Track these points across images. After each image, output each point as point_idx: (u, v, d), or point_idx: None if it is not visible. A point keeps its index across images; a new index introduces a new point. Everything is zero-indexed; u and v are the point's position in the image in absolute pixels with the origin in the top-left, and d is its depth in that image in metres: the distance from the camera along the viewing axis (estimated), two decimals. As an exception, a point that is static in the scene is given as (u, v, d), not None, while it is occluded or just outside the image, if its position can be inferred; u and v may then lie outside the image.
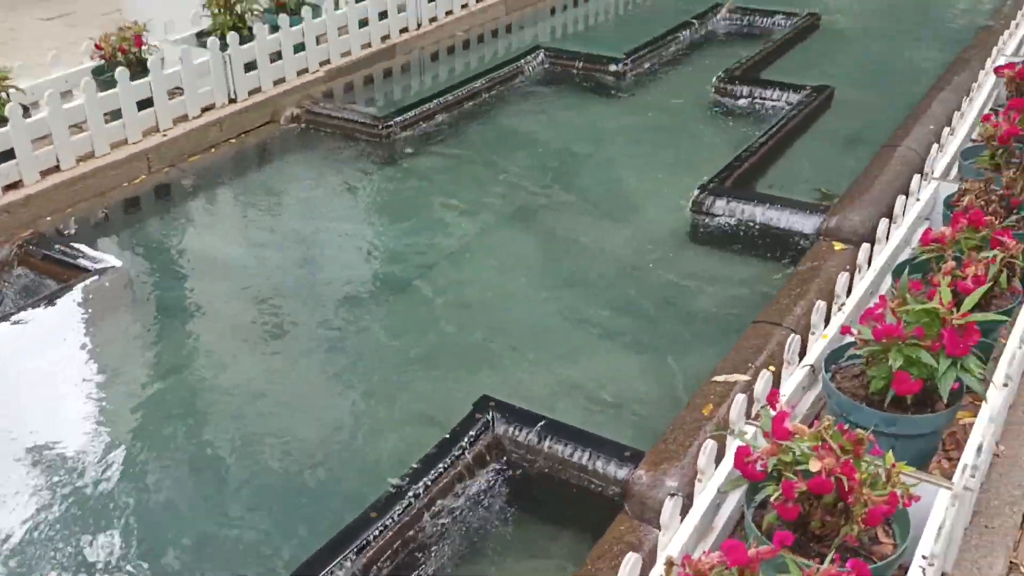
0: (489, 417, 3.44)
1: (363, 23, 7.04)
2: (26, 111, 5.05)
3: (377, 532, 2.98)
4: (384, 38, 7.26)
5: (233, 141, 5.98)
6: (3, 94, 5.00)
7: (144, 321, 4.38)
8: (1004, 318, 2.91)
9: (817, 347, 3.04)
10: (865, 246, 3.51)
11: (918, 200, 3.95)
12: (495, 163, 5.77)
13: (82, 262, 4.55)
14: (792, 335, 3.00)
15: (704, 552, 2.16)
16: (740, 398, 2.65)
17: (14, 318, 4.19)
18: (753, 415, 2.76)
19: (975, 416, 2.72)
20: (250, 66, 6.16)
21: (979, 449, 2.51)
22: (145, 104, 5.59)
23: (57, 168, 5.19)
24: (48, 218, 4.99)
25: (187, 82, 5.78)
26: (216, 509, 3.30)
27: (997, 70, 4.74)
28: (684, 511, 2.43)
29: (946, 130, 4.59)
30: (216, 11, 6.25)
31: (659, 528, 2.41)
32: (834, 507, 2.21)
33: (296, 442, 3.58)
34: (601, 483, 3.23)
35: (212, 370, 4.01)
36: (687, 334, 4.18)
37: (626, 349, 4.09)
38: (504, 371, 3.93)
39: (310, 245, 4.97)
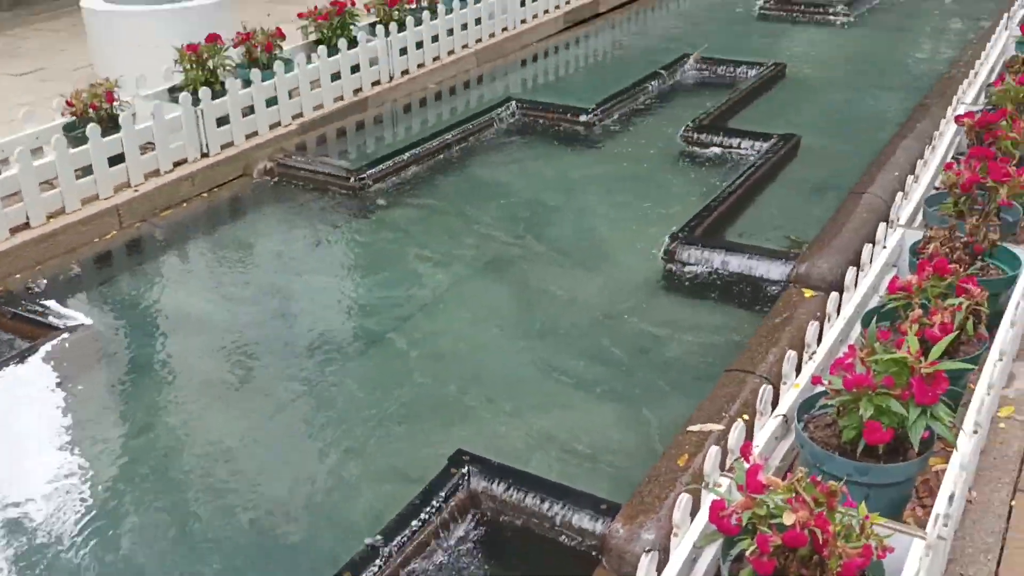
0: (464, 472, 3.43)
1: (335, 76, 7.11)
2: (-4, 168, 5.04)
3: (352, 592, 2.94)
4: (356, 91, 7.32)
5: (205, 195, 5.98)
6: (-28, 152, 4.99)
7: (113, 379, 4.33)
8: (971, 366, 2.94)
9: (789, 397, 3.06)
10: (834, 295, 3.55)
11: (884, 248, 4.01)
12: (468, 214, 5.80)
13: (51, 320, 4.51)
14: (764, 385, 3.02)
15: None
16: (714, 450, 2.65)
17: (-19, 378, 4.14)
18: (728, 467, 2.76)
19: (947, 462, 2.74)
20: (222, 120, 6.19)
21: (951, 498, 2.53)
22: (117, 159, 5.59)
23: (27, 225, 5.16)
24: (17, 275, 4.96)
25: (159, 137, 5.80)
26: (187, 570, 3.24)
27: (957, 119, 4.85)
28: (661, 566, 2.42)
29: (910, 178, 4.68)
30: (188, 66, 6.29)
31: (636, 584, 2.40)
32: (809, 560, 2.21)
33: (269, 500, 3.53)
34: (578, 537, 3.21)
35: (183, 428, 3.96)
36: (661, 383, 4.19)
37: (601, 399, 4.10)
38: (479, 423, 3.92)
39: (283, 299, 4.96)
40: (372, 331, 4.65)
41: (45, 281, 4.97)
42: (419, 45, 7.88)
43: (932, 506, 2.59)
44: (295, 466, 3.71)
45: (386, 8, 7.76)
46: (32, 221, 5.17)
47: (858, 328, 3.53)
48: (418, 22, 7.81)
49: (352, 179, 6.04)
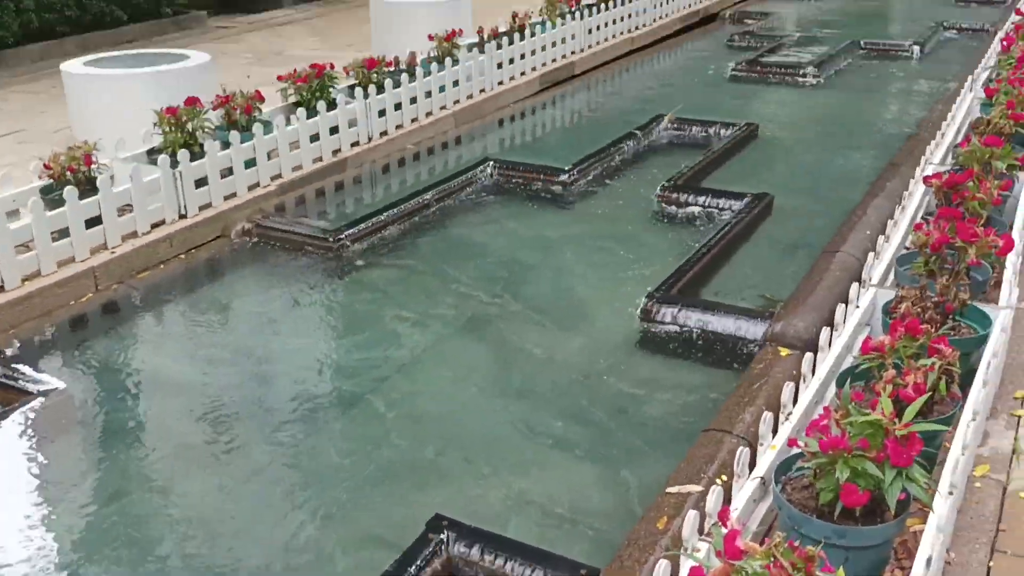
0: (442, 537, 3.39)
1: (315, 137, 7.17)
2: (-28, 231, 5.02)
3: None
4: (335, 152, 7.38)
5: (183, 257, 5.98)
6: (-52, 215, 4.98)
7: (87, 444, 4.28)
8: (944, 427, 2.97)
9: (766, 458, 3.07)
10: (808, 356, 3.59)
11: (857, 307, 4.06)
12: (446, 273, 5.83)
13: (24, 384, 4.46)
14: (741, 447, 3.02)
15: None
16: (692, 514, 2.65)
17: (-49, 445, 4.07)
18: (706, 531, 2.76)
19: (924, 523, 2.75)
20: (201, 182, 6.21)
21: (929, 561, 2.53)
22: (94, 221, 5.59)
23: (1, 288, 5.13)
24: (-9, 339, 4.91)
25: (137, 199, 5.80)
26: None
27: (926, 179, 4.95)
28: (640, 634, 2.40)
29: (881, 238, 4.75)
30: (167, 129, 6.33)
31: (616, 653, 2.38)
32: (789, 626, 2.20)
33: (245, 567, 3.48)
34: (558, 603, 3.18)
35: (159, 494, 3.91)
36: (640, 443, 4.18)
37: (579, 460, 4.09)
38: (458, 486, 3.89)
39: (261, 361, 4.94)
40: (350, 392, 4.63)
41: (19, 344, 4.93)
42: (398, 107, 7.97)
43: (911, 568, 2.59)
44: (271, 531, 3.66)
45: (365, 71, 7.86)
46: (7, 284, 5.14)
47: (833, 388, 3.56)
48: (396, 84, 7.91)
49: (330, 239, 6.06)
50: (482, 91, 9.07)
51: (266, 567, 3.48)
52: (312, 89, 7.39)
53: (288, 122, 6.92)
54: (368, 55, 8.21)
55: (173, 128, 6.32)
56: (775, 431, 3.26)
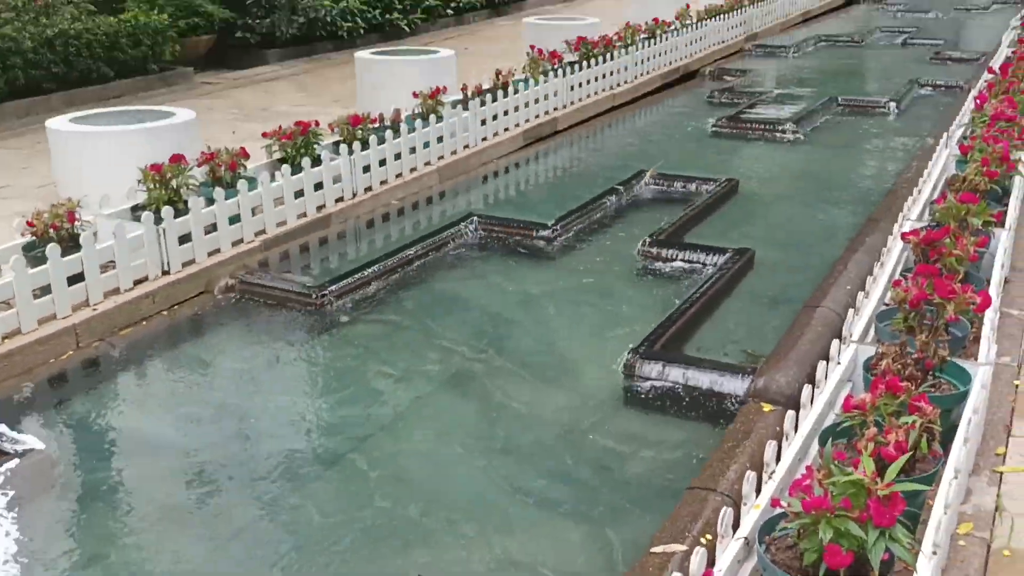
0: (425, 600, 3.35)
1: (299, 193, 7.20)
2: (-48, 289, 4.99)
3: None
4: (320, 208, 7.41)
5: (165, 313, 5.96)
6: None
7: (66, 505, 4.22)
8: (926, 487, 2.98)
9: (750, 518, 3.06)
10: (790, 413, 3.60)
11: (839, 364, 4.08)
12: (430, 329, 5.83)
13: (2, 444, 4.40)
14: (724, 507, 3.02)
15: None
16: (676, 576, 2.64)
17: (-74, 507, 4.01)
18: (691, 593, 2.74)
19: (908, 584, 2.74)
20: (184, 238, 6.22)
21: (913, 622, 2.52)
22: (76, 278, 5.57)
23: (-19, 346, 5.10)
24: (-30, 398, 4.86)
25: (120, 256, 5.80)
26: None
27: (904, 236, 5.02)
28: None
29: (861, 294, 4.80)
30: (152, 186, 6.35)
31: None
32: None
33: (223, 633, 3.42)
34: (542, 667, 3.14)
35: (138, 557, 3.85)
36: (624, 502, 4.17)
37: (564, 519, 4.06)
38: (441, 548, 3.85)
39: (243, 419, 4.90)
40: (332, 451, 4.59)
41: (-2, 403, 4.88)
42: (382, 162, 8.03)
43: (896, 630, 2.58)
44: (251, 596, 3.61)
45: (349, 127, 7.93)
46: (-13, 342, 5.11)
47: (816, 445, 3.56)
48: (381, 140, 7.98)
49: (314, 295, 6.06)
50: (466, 147, 9.17)
51: (246, 632, 3.42)
52: (297, 146, 7.45)
53: (273, 178, 6.95)
54: (353, 111, 8.30)
55: (157, 185, 6.34)
56: (759, 490, 3.25)
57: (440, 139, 8.78)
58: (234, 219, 6.61)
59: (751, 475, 3.19)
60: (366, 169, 7.86)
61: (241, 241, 6.67)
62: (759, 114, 11.04)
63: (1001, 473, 3.81)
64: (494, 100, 9.55)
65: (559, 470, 4.40)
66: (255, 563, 3.79)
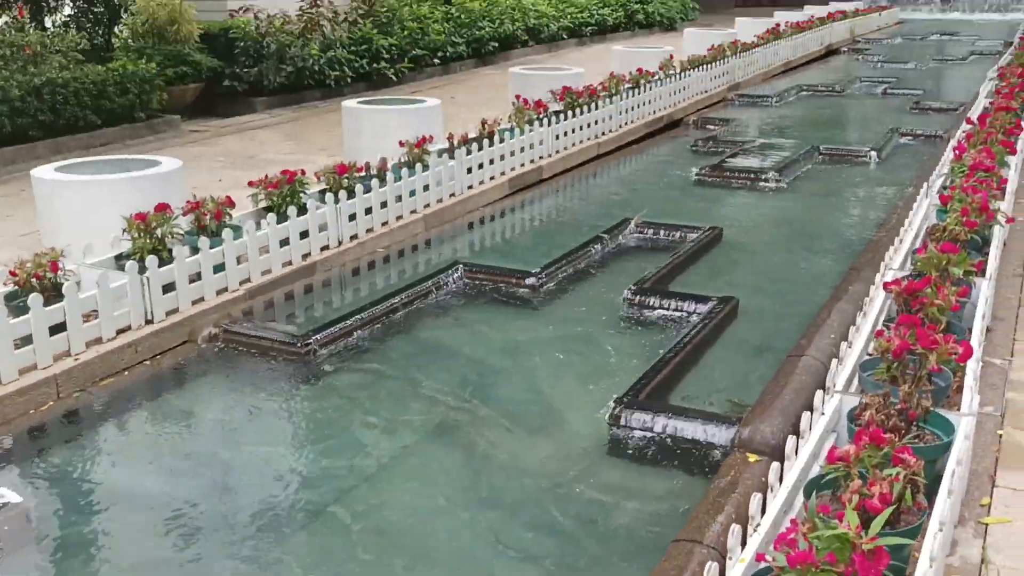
0: (407, 657, 3.30)
1: (284, 242, 7.21)
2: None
3: None
4: (305, 256, 7.42)
5: (148, 363, 5.92)
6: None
7: (43, 561, 4.14)
8: (910, 540, 2.97)
9: (735, 572, 3.03)
10: (775, 465, 3.59)
11: (823, 414, 4.09)
12: (415, 378, 5.80)
13: (-21, 498, 4.33)
14: (709, 563, 2.99)
15: None
16: (661, 634, 2.60)
17: (-102, 563, 3.93)
18: (676, 650, 2.71)
19: (895, 640, 2.72)
20: (168, 287, 6.20)
21: None
22: (58, 328, 5.54)
23: (-40, 397, 5.04)
24: (-54, 450, 4.80)
25: (103, 305, 5.77)
26: None
27: (886, 286, 5.05)
28: None
29: (844, 344, 4.82)
30: (136, 235, 6.35)
31: None
32: None
33: None
34: None
35: (113, 614, 3.78)
36: (610, 555, 4.13)
37: (550, 573, 4.01)
38: (424, 602, 3.80)
39: (225, 471, 4.84)
40: (315, 503, 4.54)
41: (-25, 455, 4.82)
42: (368, 211, 8.06)
43: None
44: (230, 654, 3.54)
45: (335, 176, 7.98)
46: (-34, 393, 5.06)
47: (801, 498, 3.55)
48: (367, 189, 8.02)
49: (298, 344, 6.04)
50: (452, 195, 9.22)
51: None
52: (283, 194, 7.48)
53: (258, 227, 6.96)
54: (340, 160, 8.35)
55: (142, 234, 6.34)
56: (744, 543, 3.23)
57: (426, 187, 8.83)
58: (219, 268, 6.60)
59: (736, 528, 3.17)
60: (352, 217, 7.88)
61: (226, 290, 6.65)
62: (742, 163, 11.17)
63: (986, 524, 3.80)
64: (480, 149, 9.63)
65: (544, 522, 4.36)
66: (234, 620, 3.73)
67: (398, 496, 4.60)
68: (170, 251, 6.29)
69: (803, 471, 3.68)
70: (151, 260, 6.06)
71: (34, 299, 5.37)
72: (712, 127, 13.67)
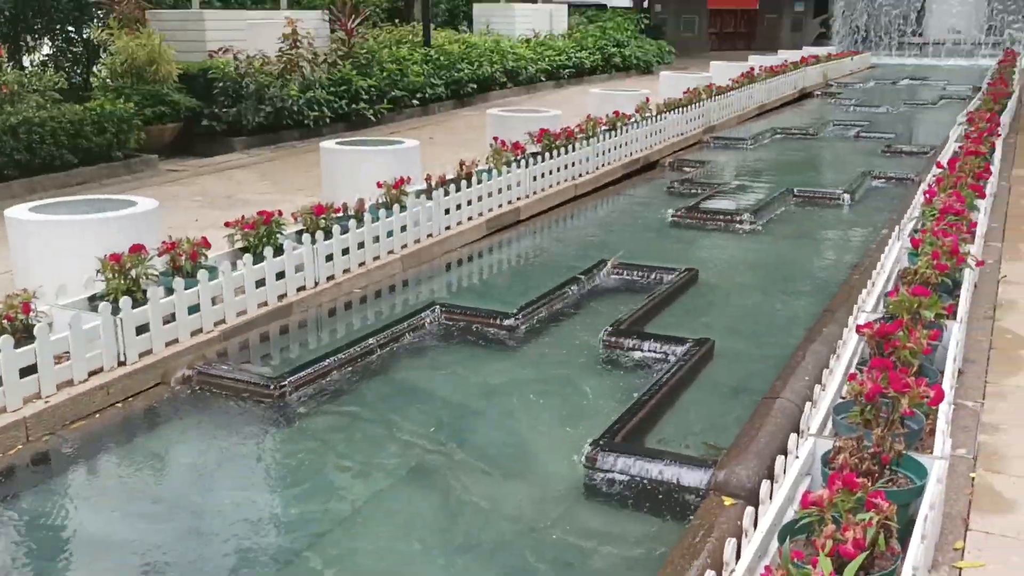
0: None
1: (260, 283, 7.18)
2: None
3: None
4: (281, 296, 7.39)
5: (120, 405, 5.85)
6: None
7: (6, 609, 4.07)
8: (884, 587, 2.97)
9: (711, 620, 3.02)
10: (749, 510, 3.59)
11: (797, 458, 4.10)
12: (391, 420, 5.77)
13: (-57, 545, 4.25)
14: (685, 609, 2.98)
15: None
16: None
17: None
18: None
19: None
20: (142, 328, 6.15)
21: None
22: (29, 370, 5.47)
23: (-73, 440, 4.96)
24: (-90, 495, 4.71)
25: (75, 347, 5.72)
26: None
27: (858, 329, 5.10)
28: None
29: (817, 387, 4.84)
30: (110, 275, 6.30)
31: None
32: None
33: None
34: None
35: (78, 664, 3.70)
36: (585, 600, 4.10)
37: (524, 619, 3.98)
38: (397, 651, 3.75)
39: (196, 516, 4.78)
40: (288, 549, 4.48)
41: (-60, 501, 4.73)
42: (345, 251, 8.06)
43: None
44: None
45: (313, 217, 7.98)
46: (-67, 436, 4.98)
47: (775, 543, 3.55)
48: (344, 230, 8.02)
49: (272, 387, 6.00)
50: (429, 236, 9.24)
51: None
52: (260, 235, 7.47)
53: (234, 268, 6.93)
54: (318, 200, 8.36)
55: (116, 275, 6.30)
56: (719, 589, 3.22)
57: (404, 228, 8.85)
58: (193, 308, 6.56)
59: (711, 574, 3.16)
60: (329, 258, 7.88)
61: (200, 331, 6.61)
62: (717, 205, 11.28)
63: (960, 568, 3.81)
64: (458, 190, 9.67)
65: (520, 567, 4.32)
66: (203, 670, 3.66)
67: (372, 541, 4.56)
68: (144, 292, 6.25)
69: (777, 515, 3.68)
70: (124, 301, 6.02)
71: (4, 341, 5.31)
72: (688, 169, 13.82)
